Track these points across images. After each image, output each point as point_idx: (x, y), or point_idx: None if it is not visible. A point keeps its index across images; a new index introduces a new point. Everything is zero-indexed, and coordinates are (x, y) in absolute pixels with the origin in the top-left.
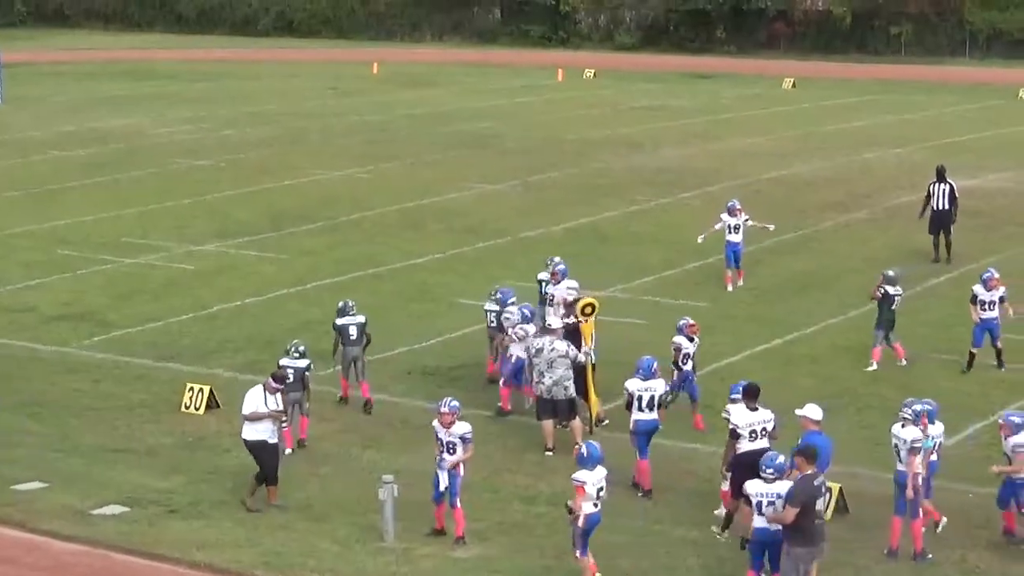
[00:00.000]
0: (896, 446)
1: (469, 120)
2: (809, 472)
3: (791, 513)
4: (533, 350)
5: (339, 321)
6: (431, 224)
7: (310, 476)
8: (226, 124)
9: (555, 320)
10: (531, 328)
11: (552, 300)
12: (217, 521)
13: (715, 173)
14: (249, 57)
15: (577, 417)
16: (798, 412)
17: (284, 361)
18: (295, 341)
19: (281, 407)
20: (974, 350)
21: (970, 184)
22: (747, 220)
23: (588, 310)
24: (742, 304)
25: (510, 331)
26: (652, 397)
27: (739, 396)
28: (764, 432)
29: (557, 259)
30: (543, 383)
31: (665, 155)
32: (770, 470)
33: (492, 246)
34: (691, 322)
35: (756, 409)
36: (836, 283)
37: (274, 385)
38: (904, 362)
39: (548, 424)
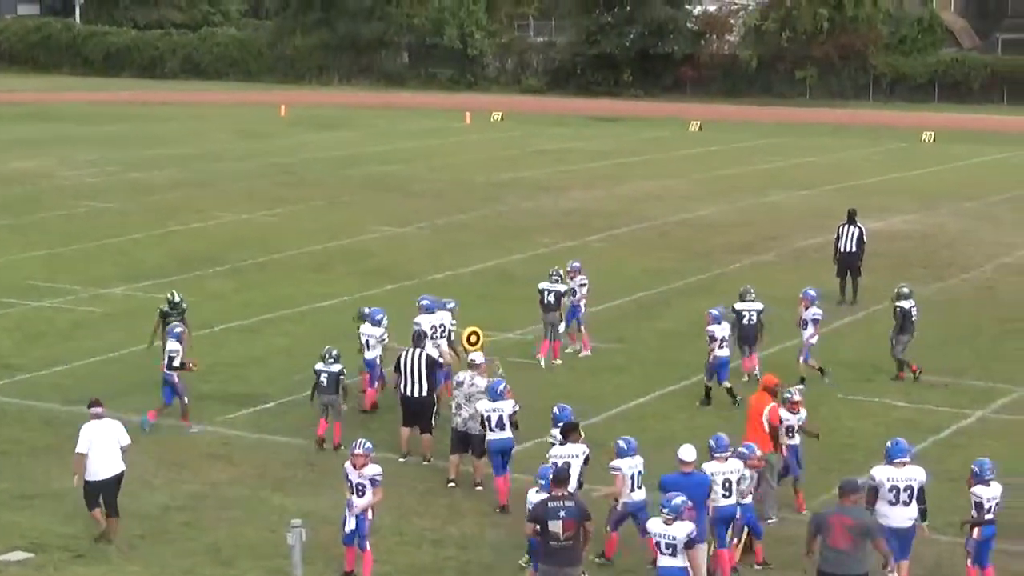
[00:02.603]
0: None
1: (377, 163)
2: (553, 493)
3: (528, 528)
4: (453, 383)
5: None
6: (339, 266)
7: (218, 520)
8: (133, 166)
9: (478, 356)
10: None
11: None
12: (122, 566)
13: (622, 216)
14: (156, 99)
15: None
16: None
17: (319, 366)
18: (328, 347)
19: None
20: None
21: (876, 226)
22: (583, 285)
23: (473, 339)
24: (651, 346)
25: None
26: (500, 417)
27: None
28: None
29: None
30: (459, 415)
31: (572, 198)
32: (666, 511)
33: (400, 288)
34: (795, 399)
35: (564, 443)
36: None
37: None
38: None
39: (455, 457)
